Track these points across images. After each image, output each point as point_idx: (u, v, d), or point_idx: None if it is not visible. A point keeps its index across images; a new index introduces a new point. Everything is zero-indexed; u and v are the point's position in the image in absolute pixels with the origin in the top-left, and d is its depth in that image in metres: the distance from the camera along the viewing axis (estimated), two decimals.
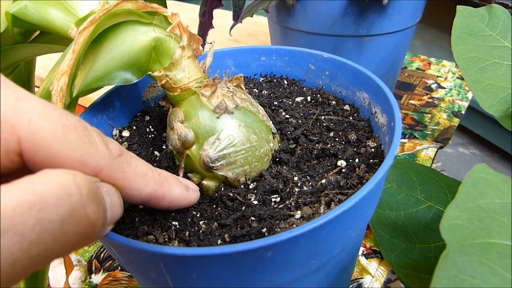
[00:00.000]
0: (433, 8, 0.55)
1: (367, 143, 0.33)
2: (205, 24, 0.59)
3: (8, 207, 0.15)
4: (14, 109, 0.18)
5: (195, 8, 1.07)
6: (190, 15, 1.03)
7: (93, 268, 0.46)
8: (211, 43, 0.34)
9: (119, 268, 0.46)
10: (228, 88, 0.31)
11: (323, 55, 0.38)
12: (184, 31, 0.30)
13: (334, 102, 0.38)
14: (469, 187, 0.26)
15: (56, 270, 0.46)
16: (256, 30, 0.93)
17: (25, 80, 0.47)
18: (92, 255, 0.48)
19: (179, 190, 0.26)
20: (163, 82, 0.30)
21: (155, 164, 0.33)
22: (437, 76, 0.77)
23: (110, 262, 0.47)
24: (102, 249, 0.48)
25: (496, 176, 0.27)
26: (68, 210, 0.17)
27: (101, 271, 0.46)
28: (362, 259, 0.45)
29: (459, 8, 0.43)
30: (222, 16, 0.79)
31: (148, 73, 0.30)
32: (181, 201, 0.27)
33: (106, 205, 0.20)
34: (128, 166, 0.22)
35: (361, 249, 0.47)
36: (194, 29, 0.72)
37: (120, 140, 0.35)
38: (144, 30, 0.29)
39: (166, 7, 0.30)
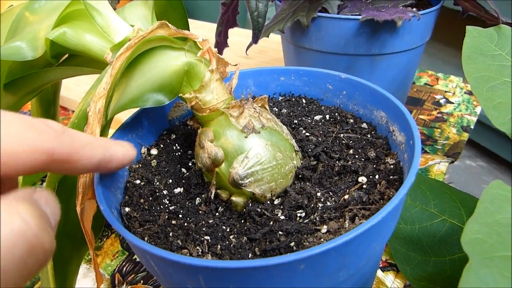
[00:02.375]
0: (438, 22, 0.57)
1: (386, 160, 0.34)
2: (221, 43, 0.61)
3: None
4: None
5: (206, 26, 1.10)
6: (201, 33, 1.05)
7: (116, 281, 0.48)
8: (236, 65, 0.36)
9: (142, 281, 0.47)
10: (254, 108, 0.32)
11: (340, 75, 0.40)
12: (213, 55, 0.31)
13: (352, 121, 0.39)
14: (487, 202, 0.27)
15: (80, 283, 0.48)
16: (267, 47, 0.95)
17: (51, 98, 0.49)
18: (115, 269, 0.49)
19: (121, 149, 0.27)
20: (193, 103, 0.32)
21: (183, 181, 0.34)
22: (445, 91, 0.79)
23: (133, 275, 0.48)
24: (124, 263, 0.50)
25: None
26: (24, 247, 0.18)
27: (124, 285, 0.47)
28: (379, 272, 0.46)
29: (469, 28, 0.45)
30: (233, 34, 0.81)
31: (179, 95, 0.32)
32: (125, 160, 0.27)
33: (48, 218, 0.20)
34: (74, 139, 0.22)
35: None
36: None
37: (149, 157, 0.36)
38: (175, 55, 0.31)
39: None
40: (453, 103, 0.75)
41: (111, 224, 0.27)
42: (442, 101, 0.76)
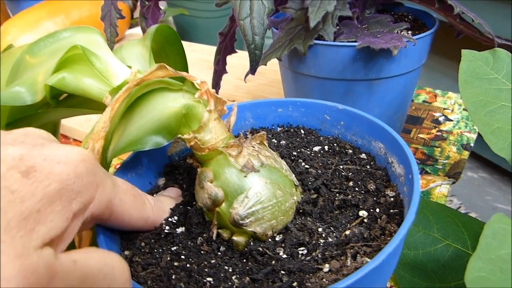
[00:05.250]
0: (437, 35, 0.57)
1: (386, 192, 0.35)
2: (220, 71, 0.62)
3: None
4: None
5: (205, 48, 1.10)
6: (199, 56, 1.06)
7: None
8: (233, 101, 0.36)
9: None
10: (253, 147, 0.33)
11: (337, 106, 0.40)
12: (211, 95, 0.32)
13: (350, 151, 0.39)
14: (489, 237, 0.27)
15: None
16: (266, 68, 0.95)
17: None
18: None
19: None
20: (192, 143, 0.32)
21: (186, 220, 0.34)
22: (444, 109, 0.79)
23: None
24: None
25: None
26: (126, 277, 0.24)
27: None
28: None
29: (464, 52, 0.45)
30: (231, 56, 0.82)
31: (178, 135, 0.32)
32: None
33: None
34: (160, 209, 0.33)
35: None
36: (203, 69, 0.74)
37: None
38: (174, 97, 0.31)
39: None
40: (452, 120, 0.76)
41: None
42: (441, 118, 0.76)
